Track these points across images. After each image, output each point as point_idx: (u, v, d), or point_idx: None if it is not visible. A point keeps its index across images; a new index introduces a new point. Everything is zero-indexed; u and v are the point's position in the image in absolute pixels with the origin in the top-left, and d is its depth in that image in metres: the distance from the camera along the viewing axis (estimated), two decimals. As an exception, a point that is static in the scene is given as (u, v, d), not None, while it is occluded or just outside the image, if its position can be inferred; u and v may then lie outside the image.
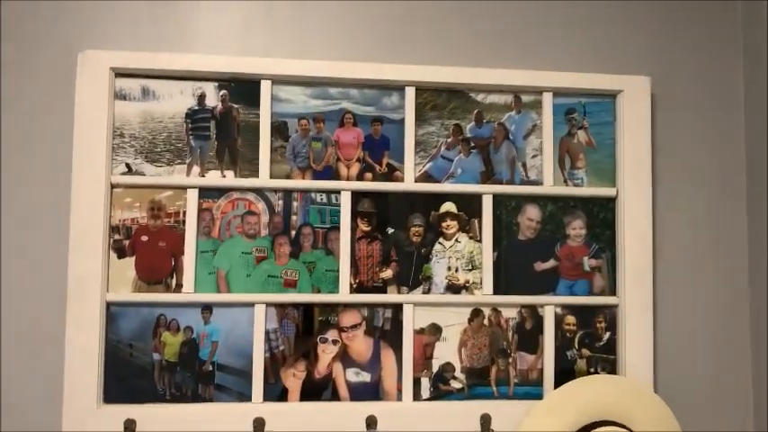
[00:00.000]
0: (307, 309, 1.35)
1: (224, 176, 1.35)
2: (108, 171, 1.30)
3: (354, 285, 1.37)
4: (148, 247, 1.31)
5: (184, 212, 1.32)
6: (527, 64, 1.44)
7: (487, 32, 1.45)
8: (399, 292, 1.39)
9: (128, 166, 1.33)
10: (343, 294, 1.36)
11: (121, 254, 1.31)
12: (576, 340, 1.42)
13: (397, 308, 1.38)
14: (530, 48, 1.46)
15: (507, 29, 1.45)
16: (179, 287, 1.32)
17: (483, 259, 1.40)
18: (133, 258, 1.31)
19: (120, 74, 1.32)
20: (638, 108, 1.45)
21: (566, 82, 1.43)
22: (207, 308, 1.33)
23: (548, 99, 1.44)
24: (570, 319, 1.42)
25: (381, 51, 1.41)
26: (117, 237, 1.31)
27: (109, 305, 1.30)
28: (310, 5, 1.40)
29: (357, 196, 1.37)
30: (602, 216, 1.45)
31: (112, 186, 1.31)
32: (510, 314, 1.41)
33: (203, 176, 1.35)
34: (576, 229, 1.44)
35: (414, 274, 1.38)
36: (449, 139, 1.42)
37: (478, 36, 1.45)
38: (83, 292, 1.27)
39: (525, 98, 1.44)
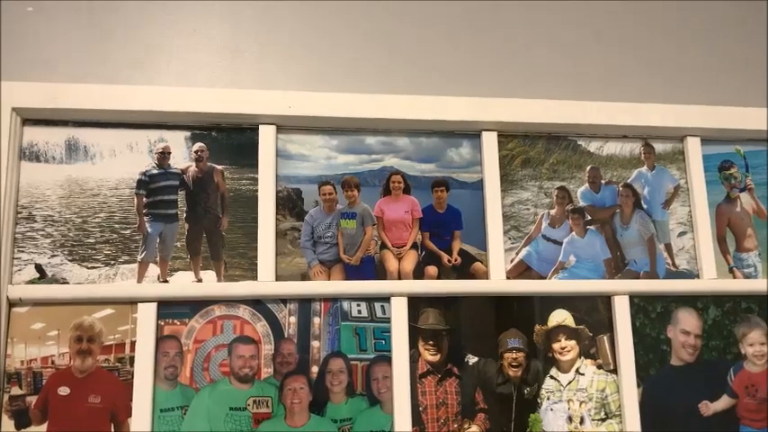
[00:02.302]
0: (341, 500, 1.09)
1: (199, 281, 1.12)
2: (5, 277, 1.06)
3: (420, 456, 1.09)
4: (70, 405, 1.06)
5: (133, 344, 1.08)
6: (659, 95, 1.21)
7: (599, 51, 1.23)
8: (494, 465, 1.11)
9: (39, 268, 1.09)
10: (403, 473, 1.08)
11: (22, 421, 1.05)
12: None
13: (493, 491, 1.10)
14: (662, 72, 1.24)
15: (628, 47, 1.24)
16: (123, 473, 1.05)
17: (622, 400, 1.12)
18: (44, 428, 1.05)
19: (31, 119, 1.10)
20: (829, 156, 1.23)
21: (717, 120, 1.21)
22: (171, 507, 1.05)
23: (694, 147, 1.21)
24: (763, 492, 1.15)
25: (442, 80, 1.18)
26: (15, 391, 1.06)
27: None
28: (332, 15, 1.17)
29: (416, 305, 1.13)
30: (791, 322, 1.20)
31: (11, 304, 1.07)
32: (671, 491, 1.14)
33: (165, 282, 1.12)
34: (755, 344, 1.18)
35: (514, 430, 1.11)
36: (552, 211, 1.19)
37: (586, 57, 1.22)
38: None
39: (660, 146, 1.23)
